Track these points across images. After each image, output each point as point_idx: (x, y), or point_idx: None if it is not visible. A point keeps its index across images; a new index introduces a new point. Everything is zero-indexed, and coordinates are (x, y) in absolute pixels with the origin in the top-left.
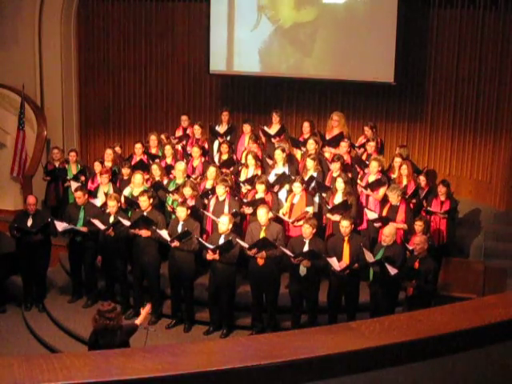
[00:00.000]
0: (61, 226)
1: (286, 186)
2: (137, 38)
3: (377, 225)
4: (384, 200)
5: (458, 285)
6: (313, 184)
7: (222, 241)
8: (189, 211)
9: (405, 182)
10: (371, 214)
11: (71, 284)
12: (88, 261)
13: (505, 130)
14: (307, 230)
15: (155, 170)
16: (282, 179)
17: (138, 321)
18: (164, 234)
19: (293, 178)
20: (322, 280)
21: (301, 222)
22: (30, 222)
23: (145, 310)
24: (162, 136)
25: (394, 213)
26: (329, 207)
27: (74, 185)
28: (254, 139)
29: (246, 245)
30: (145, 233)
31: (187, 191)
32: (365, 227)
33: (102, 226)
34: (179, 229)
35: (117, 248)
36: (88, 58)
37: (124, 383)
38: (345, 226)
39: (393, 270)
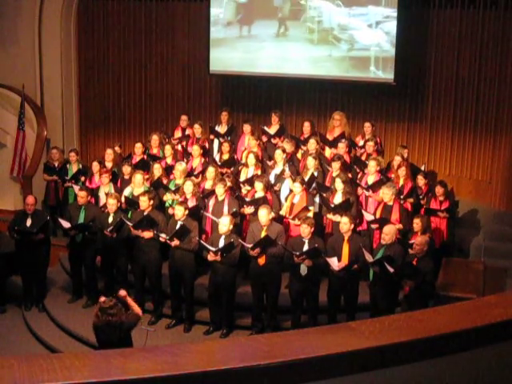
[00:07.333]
0: (66, 224)
1: (288, 183)
2: (137, 37)
3: (374, 226)
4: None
5: (458, 285)
6: (314, 185)
7: (222, 241)
8: (187, 211)
9: (401, 182)
10: (368, 216)
11: (71, 284)
12: (88, 261)
13: (505, 130)
14: (305, 230)
15: (157, 169)
16: (280, 178)
17: (136, 310)
18: (162, 235)
19: (292, 177)
20: (321, 280)
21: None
22: (29, 222)
23: (123, 297)
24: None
25: (387, 212)
26: (332, 205)
27: (76, 188)
28: (255, 139)
29: (248, 245)
30: (147, 234)
31: (188, 189)
32: (365, 228)
33: (105, 232)
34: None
35: (118, 248)
36: (88, 57)
37: (124, 383)
38: (344, 222)
39: (391, 269)
